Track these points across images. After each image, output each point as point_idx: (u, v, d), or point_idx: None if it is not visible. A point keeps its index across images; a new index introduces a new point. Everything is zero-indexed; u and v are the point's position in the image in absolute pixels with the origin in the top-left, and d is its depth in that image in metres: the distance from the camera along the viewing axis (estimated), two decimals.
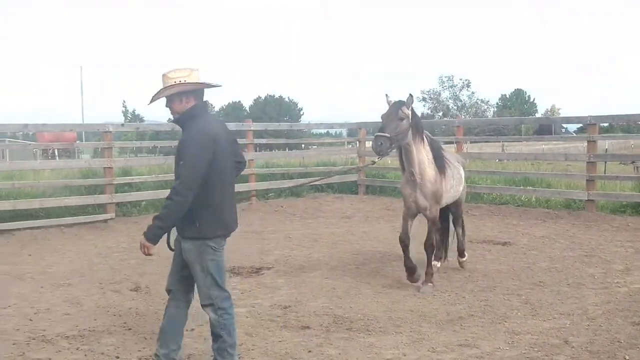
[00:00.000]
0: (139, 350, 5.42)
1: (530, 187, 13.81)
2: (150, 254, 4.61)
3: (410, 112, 7.02)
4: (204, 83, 4.75)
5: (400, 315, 6.34)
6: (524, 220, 12.04)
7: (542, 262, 8.63)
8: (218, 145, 4.55)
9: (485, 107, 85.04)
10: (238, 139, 16.67)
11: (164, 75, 4.66)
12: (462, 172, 8.16)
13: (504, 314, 6.34)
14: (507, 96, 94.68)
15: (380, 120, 7.10)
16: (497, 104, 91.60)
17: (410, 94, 7.07)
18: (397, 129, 6.90)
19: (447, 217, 8.36)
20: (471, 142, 33.58)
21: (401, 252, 7.52)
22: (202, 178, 4.45)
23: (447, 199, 7.70)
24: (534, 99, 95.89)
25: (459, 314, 6.40)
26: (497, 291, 7.22)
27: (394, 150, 7.33)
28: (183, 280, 4.83)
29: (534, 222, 11.80)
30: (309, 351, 5.39)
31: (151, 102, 4.77)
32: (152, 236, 4.54)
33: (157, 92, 4.69)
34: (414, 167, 7.21)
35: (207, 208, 4.56)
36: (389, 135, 6.84)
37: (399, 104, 7.00)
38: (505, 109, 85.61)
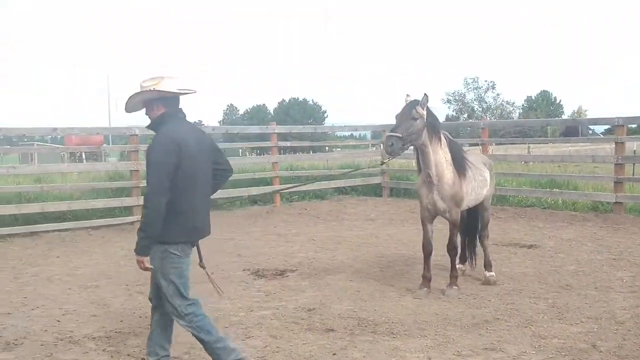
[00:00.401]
0: None
1: (557, 190, 13.65)
2: (147, 268, 4.58)
3: (425, 112, 6.81)
4: (170, 91, 4.70)
5: (425, 319, 6.30)
6: (551, 223, 11.90)
7: (569, 265, 8.53)
8: (185, 150, 4.52)
9: (511, 108, 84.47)
10: (262, 142, 16.80)
11: (139, 83, 4.71)
12: (486, 174, 7.84)
13: (530, 318, 6.27)
14: (533, 98, 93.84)
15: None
16: (522, 105, 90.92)
17: (424, 94, 6.86)
18: (410, 128, 6.71)
19: (476, 219, 8.06)
20: (496, 144, 33.33)
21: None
22: (171, 182, 4.45)
23: (468, 202, 7.48)
24: (560, 101, 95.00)
25: (484, 317, 6.34)
26: (523, 294, 7.14)
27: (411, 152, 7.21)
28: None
29: (560, 225, 11.67)
30: (334, 354, 5.38)
31: (125, 110, 4.84)
32: (141, 249, 4.51)
33: (127, 100, 4.75)
34: (430, 169, 7.01)
35: (173, 213, 4.51)
36: (400, 135, 6.66)
37: (413, 104, 6.83)
38: (531, 111, 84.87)
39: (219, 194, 13.59)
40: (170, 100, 4.72)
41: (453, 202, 7.13)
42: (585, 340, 5.59)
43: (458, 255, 7.64)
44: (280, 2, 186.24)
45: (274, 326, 6.15)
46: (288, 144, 21.45)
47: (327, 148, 30.81)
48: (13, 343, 5.73)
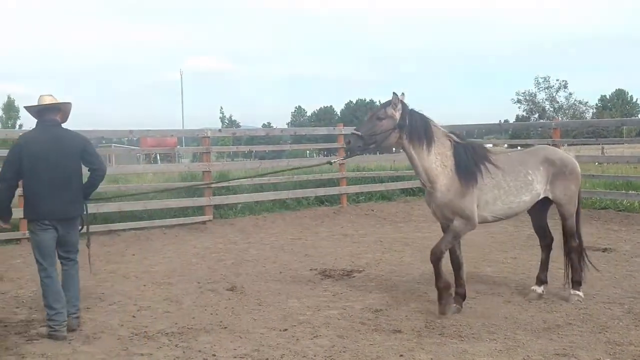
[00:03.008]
0: (235, 349, 5.58)
1: (633, 191, 13.18)
2: (3, 226, 6.18)
3: (397, 113, 6.31)
4: (32, 105, 6.06)
5: (494, 322, 6.21)
6: (626, 226, 11.51)
7: None
8: (27, 149, 5.87)
9: (584, 108, 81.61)
10: (329, 143, 17.02)
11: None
12: (536, 177, 6.71)
13: (605, 324, 6.10)
14: (607, 97, 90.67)
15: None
16: (596, 105, 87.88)
17: (394, 93, 6.34)
18: (373, 129, 6.30)
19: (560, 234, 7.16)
20: (569, 145, 32.39)
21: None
22: (15, 173, 5.87)
23: (494, 212, 6.58)
24: (636, 99, 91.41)
25: (556, 322, 6.21)
26: (597, 299, 6.94)
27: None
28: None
29: (637, 228, 11.26)
30: (401, 355, 5.38)
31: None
32: None
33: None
34: (419, 175, 6.48)
35: (25, 196, 5.98)
36: (360, 134, 6.28)
37: (385, 104, 6.41)
38: (605, 111, 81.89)
39: (287, 194, 13.95)
40: (40, 111, 6.04)
41: (450, 211, 6.42)
42: None
43: (463, 271, 6.85)
44: (345, 2, 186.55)
45: (341, 326, 6.20)
46: None
47: (394, 149, 30.63)
48: (92, 337, 5.99)
